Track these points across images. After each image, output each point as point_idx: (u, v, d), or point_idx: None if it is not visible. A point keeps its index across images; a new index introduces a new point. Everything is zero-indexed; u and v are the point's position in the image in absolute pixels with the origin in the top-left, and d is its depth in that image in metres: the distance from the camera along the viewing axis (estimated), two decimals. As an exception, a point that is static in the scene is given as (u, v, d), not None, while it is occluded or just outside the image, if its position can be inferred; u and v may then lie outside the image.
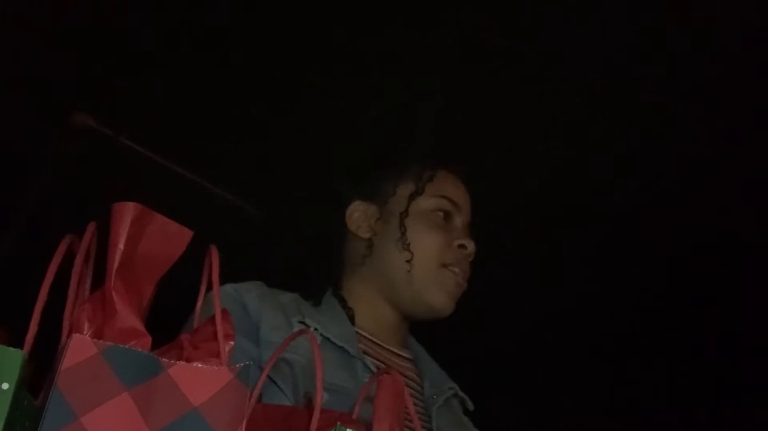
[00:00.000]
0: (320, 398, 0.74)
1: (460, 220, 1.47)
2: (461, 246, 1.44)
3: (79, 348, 0.64)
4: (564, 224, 2.59)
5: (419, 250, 1.42)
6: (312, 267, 1.53)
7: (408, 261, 1.41)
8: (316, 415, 0.74)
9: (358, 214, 1.48)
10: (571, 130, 2.41)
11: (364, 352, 1.37)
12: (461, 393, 1.46)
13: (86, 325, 0.67)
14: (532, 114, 2.38)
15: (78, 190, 2.54)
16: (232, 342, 0.69)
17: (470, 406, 1.47)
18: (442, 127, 2.35)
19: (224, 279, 0.77)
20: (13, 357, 0.61)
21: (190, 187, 2.66)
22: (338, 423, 0.72)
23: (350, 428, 0.71)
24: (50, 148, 2.60)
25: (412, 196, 1.45)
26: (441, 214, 1.46)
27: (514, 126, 2.42)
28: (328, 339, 1.32)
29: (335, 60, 2.34)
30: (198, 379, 0.66)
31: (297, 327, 1.30)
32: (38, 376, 0.66)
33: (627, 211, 2.55)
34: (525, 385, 2.88)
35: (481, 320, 2.34)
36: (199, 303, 0.76)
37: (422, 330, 1.54)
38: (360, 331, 1.40)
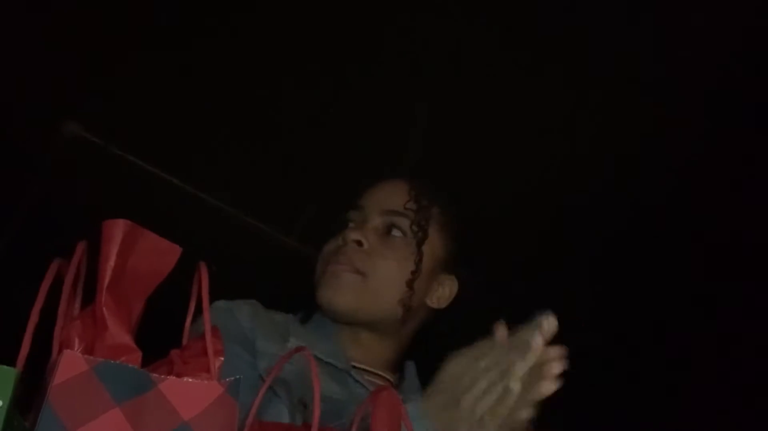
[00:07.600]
0: (317, 416, 0.74)
1: (360, 218, 1.45)
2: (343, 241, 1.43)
3: (70, 364, 0.64)
4: (563, 225, 2.58)
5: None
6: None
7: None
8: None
9: None
10: (567, 134, 2.41)
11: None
12: None
13: (77, 342, 0.67)
14: (527, 117, 2.38)
15: (67, 200, 2.53)
16: (222, 358, 0.70)
17: None
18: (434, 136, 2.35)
19: (215, 289, 0.77)
20: (7, 375, 0.61)
21: (182, 196, 2.66)
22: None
23: (347, 446, 0.71)
24: (40, 157, 2.59)
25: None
26: (351, 224, 1.45)
27: (510, 130, 2.42)
28: (315, 356, 1.32)
29: (335, 63, 2.34)
30: (188, 394, 0.67)
31: (289, 346, 1.30)
32: (25, 396, 0.66)
33: (626, 214, 2.54)
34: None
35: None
36: (188, 320, 0.76)
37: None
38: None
